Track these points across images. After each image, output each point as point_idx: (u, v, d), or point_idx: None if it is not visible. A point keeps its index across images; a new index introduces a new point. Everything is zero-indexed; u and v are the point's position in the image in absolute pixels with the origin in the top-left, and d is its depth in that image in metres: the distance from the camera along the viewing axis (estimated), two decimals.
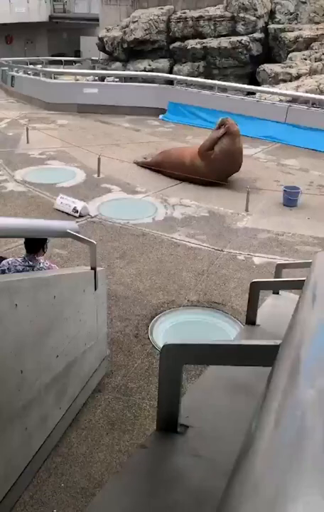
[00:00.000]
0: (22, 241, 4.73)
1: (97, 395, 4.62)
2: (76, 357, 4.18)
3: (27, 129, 13.00)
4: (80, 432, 4.16)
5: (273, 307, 4.12)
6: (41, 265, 4.48)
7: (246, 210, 9.31)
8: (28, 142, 12.78)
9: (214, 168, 10.21)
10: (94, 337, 4.71)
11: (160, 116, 16.67)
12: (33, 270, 4.41)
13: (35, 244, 4.45)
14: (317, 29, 19.80)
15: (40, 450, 3.61)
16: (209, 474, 1.83)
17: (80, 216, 8.55)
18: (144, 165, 11.45)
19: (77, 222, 7.87)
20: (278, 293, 4.27)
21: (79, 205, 8.67)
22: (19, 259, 4.45)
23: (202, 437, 2.05)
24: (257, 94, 16.63)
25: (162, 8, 21.75)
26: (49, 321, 3.56)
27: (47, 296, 3.53)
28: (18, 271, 4.35)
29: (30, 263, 4.43)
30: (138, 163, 11.59)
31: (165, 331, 5.68)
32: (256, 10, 20.28)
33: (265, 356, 1.45)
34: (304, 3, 20.65)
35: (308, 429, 0.72)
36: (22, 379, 3.20)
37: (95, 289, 4.58)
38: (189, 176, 10.37)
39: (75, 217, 8.46)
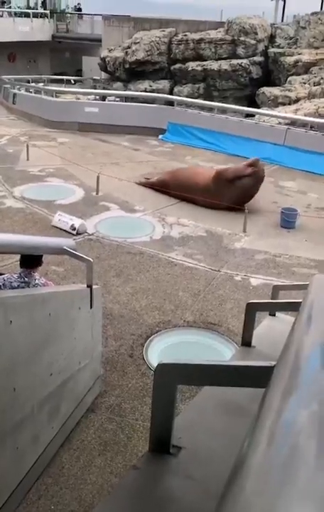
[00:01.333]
0: (19, 257, 4.70)
1: (90, 415, 4.56)
2: (70, 375, 4.13)
3: (27, 146, 13.07)
4: (72, 452, 4.09)
5: (269, 329, 4.09)
6: (36, 281, 4.45)
7: (244, 230, 9.33)
8: (27, 159, 12.84)
9: (227, 198, 10.12)
10: (88, 355, 4.67)
11: (160, 137, 16.80)
12: (28, 287, 4.38)
13: (32, 260, 4.43)
14: (316, 54, 20.14)
15: (30, 470, 3.54)
16: (201, 496, 1.80)
17: (78, 233, 8.55)
18: (147, 185, 11.47)
19: (75, 239, 7.87)
20: (274, 315, 4.25)
21: (77, 222, 8.68)
22: (14, 276, 4.43)
23: (194, 459, 2.02)
24: (256, 117, 16.83)
25: (164, 31, 22.13)
26: (43, 338, 3.53)
27: (42, 313, 3.50)
28: (13, 287, 4.32)
29: (26, 279, 4.41)
30: (141, 184, 11.60)
31: (160, 351, 5.64)
32: (256, 34, 20.66)
33: (260, 377, 1.43)
34: (304, 28, 21.03)
35: (300, 450, 0.71)
36: (14, 397, 3.15)
37: (91, 307, 4.56)
38: (197, 198, 10.33)
39: (73, 234, 8.46)
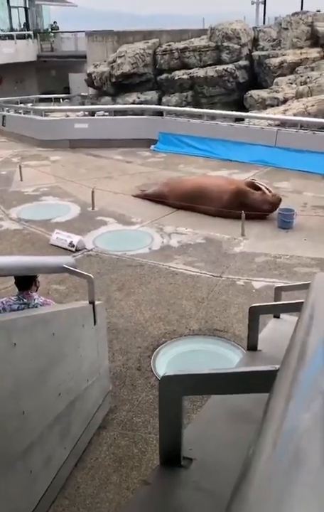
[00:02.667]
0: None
1: (102, 432, 4.54)
2: (78, 394, 4.12)
3: (20, 167, 13.12)
4: (87, 471, 4.07)
5: (274, 331, 4.08)
6: (36, 301, 4.45)
7: (242, 234, 9.33)
8: (21, 180, 12.88)
9: (239, 206, 9.89)
10: (95, 372, 4.65)
11: (152, 147, 16.86)
12: (28, 307, 4.38)
13: (26, 281, 4.43)
14: (300, 53, 20.25)
15: (46, 493, 3.52)
16: (212, 507, 1.78)
17: (77, 250, 8.56)
18: (144, 197, 11.47)
19: (74, 256, 7.88)
20: (278, 317, 4.24)
21: (75, 239, 8.69)
22: (13, 298, 4.43)
23: (205, 470, 2.01)
24: (246, 120, 16.86)
25: (147, 42, 22.27)
26: (49, 358, 3.52)
27: (45, 333, 3.50)
28: (13, 310, 4.32)
29: (25, 300, 4.41)
30: (137, 196, 11.59)
31: (168, 362, 5.62)
32: (239, 38, 20.77)
33: (265, 382, 1.42)
34: (286, 29, 21.16)
35: (304, 455, 0.71)
36: (23, 421, 3.13)
37: (94, 324, 4.55)
38: (206, 208, 10.28)
39: (72, 251, 8.46)
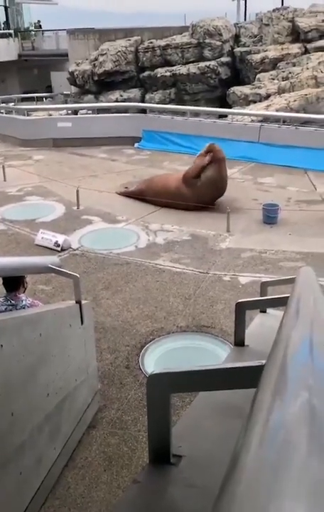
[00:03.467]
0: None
1: (92, 431, 4.54)
2: (67, 394, 4.11)
3: (3, 167, 13.01)
4: (77, 471, 4.07)
5: (261, 326, 4.10)
6: (24, 303, 4.44)
7: (228, 230, 9.35)
8: (5, 180, 12.78)
9: (200, 195, 10.31)
10: (84, 372, 4.65)
11: (136, 145, 16.83)
12: (15, 309, 4.36)
13: (14, 282, 4.42)
14: (281, 49, 20.27)
15: (36, 494, 3.51)
16: (205, 504, 1.79)
17: (62, 250, 8.53)
18: (127, 194, 11.52)
19: (60, 256, 7.87)
20: (265, 311, 4.26)
21: (61, 238, 8.66)
22: (0, 300, 4.42)
23: (195, 466, 2.01)
24: (229, 116, 16.88)
25: (129, 40, 22.18)
26: (37, 359, 3.51)
27: (32, 334, 3.49)
28: (0, 311, 4.31)
29: (12, 302, 4.40)
30: (121, 193, 11.63)
31: (157, 360, 5.63)
32: (221, 35, 20.76)
33: (252, 378, 1.43)
34: (267, 25, 21.18)
35: (292, 448, 0.71)
36: (13, 422, 3.13)
37: (82, 323, 4.54)
38: (174, 202, 10.40)
39: (57, 251, 8.43)
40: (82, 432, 4.47)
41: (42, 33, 34.99)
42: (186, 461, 1.99)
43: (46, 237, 8.76)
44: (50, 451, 3.77)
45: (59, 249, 8.52)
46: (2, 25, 35.20)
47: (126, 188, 11.89)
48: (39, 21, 37.00)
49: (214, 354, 5.68)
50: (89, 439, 4.45)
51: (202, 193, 10.28)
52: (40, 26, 36.21)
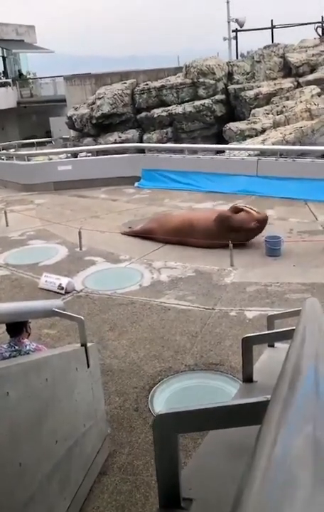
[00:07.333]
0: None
1: (103, 478, 4.42)
2: (76, 440, 4.03)
3: (5, 213, 13.16)
4: None
5: (269, 361, 4.03)
6: (28, 348, 4.42)
7: (232, 264, 9.35)
8: (7, 225, 12.88)
9: (226, 239, 9.77)
10: (92, 416, 4.57)
11: (136, 184, 17.04)
12: (20, 354, 4.33)
13: (17, 327, 4.40)
14: (274, 84, 20.75)
15: None
16: None
17: (66, 292, 8.50)
18: (133, 234, 11.52)
19: (64, 299, 7.87)
20: (273, 345, 4.21)
21: (64, 281, 8.65)
22: (4, 346, 4.40)
23: (206, 509, 1.95)
24: (227, 152, 17.12)
25: (125, 83, 22.76)
26: (44, 405, 3.45)
27: (38, 379, 3.44)
28: (5, 358, 4.28)
29: (16, 347, 4.37)
30: (125, 233, 11.64)
31: (166, 401, 5.54)
32: (214, 74, 21.28)
33: (259, 414, 1.40)
34: (259, 62, 21.74)
35: (296, 482, 0.70)
36: (21, 472, 3.05)
37: (88, 366, 4.49)
38: (196, 241, 10.31)
39: (61, 294, 8.41)
40: (92, 479, 4.36)
41: (40, 80, 35.97)
42: (197, 505, 1.93)
43: (50, 280, 8.77)
44: (60, 501, 3.66)
45: (63, 291, 8.50)
46: (1, 75, 36.19)
47: (130, 227, 11.93)
48: (35, 74, 38.29)
49: (225, 392, 5.58)
50: (101, 486, 4.33)
51: (228, 239, 9.76)
52: (35, 74, 37.42)
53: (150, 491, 4.25)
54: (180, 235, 10.51)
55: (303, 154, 15.23)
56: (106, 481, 4.40)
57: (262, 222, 10.23)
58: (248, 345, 3.78)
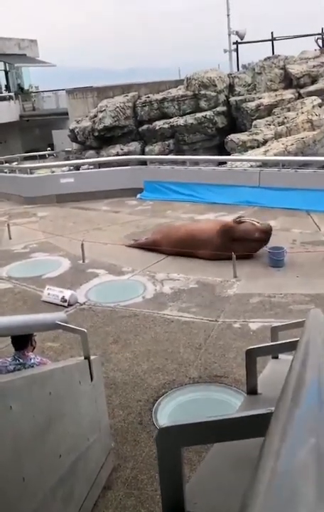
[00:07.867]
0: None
1: (107, 493, 4.38)
2: (80, 454, 4.00)
3: (8, 226, 13.17)
4: None
5: (273, 373, 4.01)
6: (32, 361, 4.41)
7: (235, 276, 9.33)
8: (10, 238, 12.89)
9: (230, 251, 9.70)
10: (96, 430, 4.54)
11: (138, 196, 17.08)
12: (24, 367, 4.32)
13: (22, 340, 4.40)
14: (275, 96, 20.91)
15: None
16: None
17: (69, 305, 8.48)
18: (138, 246, 11.51)
19: (67, 311, 7.86)
20: (277, 357, 4.19)
21: (67, 294, 8.64)
22: (9, 359, 4.39)
23: None
24: (229, 163, 17.18)
25: (127, 95, 22.95)
26: (47, 419, 3.43)
27: (42, 393, 3.43)
28: (9, 371, 4.28)
29: (21, 361, 4.37)
30: (130, 246, 11.63)
31: (170, 414, 5.50)
32: (215, 86, 21.45)
33: (263, 426, 1.39)
34: (260, 73, 21.91)
35: (299, 495, 0.69)
36: (24, 487, 3.02)
37: (91, 379, 4.47)
38: (201, 252, 10.31)
39: (64, 306, 8.40)
40: (97, 494, 4.31)
41: (42, 94, 36.27)
42: None
43: (53, 293, 8.76)
44: None
45: (66, 304, 8.49)
46: (3, 88, 36.50)
47: (134, 240, 11.93)
48: (37, 87, 38.59)
49: (229, 404, 5.55)
50: (105, 501, 4.28)
51: (232, 251, 9.70)
52: (37, 88, 37.74)
53: (154, 506, 4.21)
54: (185, 247, 10.50)
55: (305, 165, 15.28)
56: (111, 495, 4.36)
57: (266, 233, 10.22)
58: (252, 357, 3.76)
